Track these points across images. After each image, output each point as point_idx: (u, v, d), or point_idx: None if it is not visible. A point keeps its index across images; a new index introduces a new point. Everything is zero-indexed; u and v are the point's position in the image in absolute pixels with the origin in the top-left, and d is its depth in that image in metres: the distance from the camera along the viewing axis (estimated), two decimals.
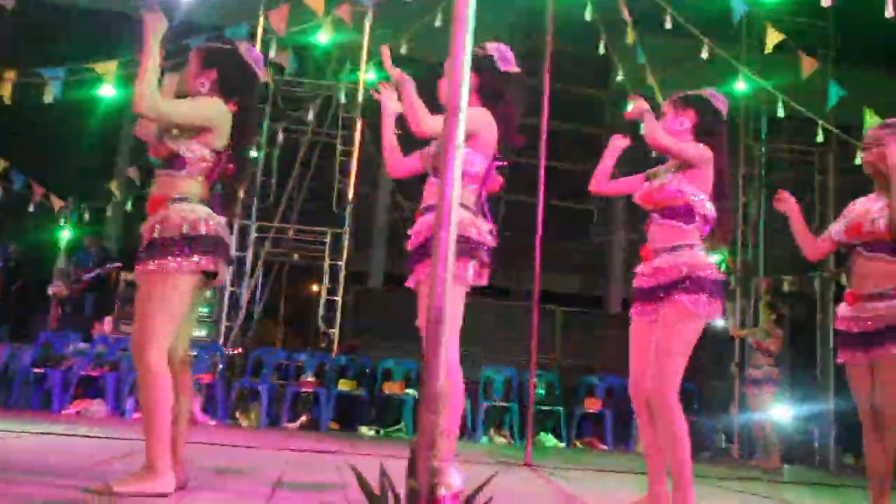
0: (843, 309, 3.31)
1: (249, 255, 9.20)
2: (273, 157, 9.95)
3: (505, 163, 3.04)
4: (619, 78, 7.18)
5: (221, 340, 8.73)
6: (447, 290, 1.83)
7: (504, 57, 3.06)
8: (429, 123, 2.87)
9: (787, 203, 3.53)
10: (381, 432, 8.15)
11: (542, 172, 5.76)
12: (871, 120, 6.32)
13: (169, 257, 2.80)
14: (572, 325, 9.66)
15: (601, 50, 6.73)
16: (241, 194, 3.24)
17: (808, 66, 6.03)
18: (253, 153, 9.20)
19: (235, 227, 8.96)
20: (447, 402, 2.78)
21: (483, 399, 8.54)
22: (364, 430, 8.06)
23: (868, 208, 3.29)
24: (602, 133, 12.06)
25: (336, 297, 8.99)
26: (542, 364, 9.30)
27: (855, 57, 10.45)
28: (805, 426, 9.98)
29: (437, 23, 6.46)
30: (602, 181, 3.50)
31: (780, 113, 6.63)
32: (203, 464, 3.83)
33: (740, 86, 6.49)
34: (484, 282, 2.98)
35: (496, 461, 5.68)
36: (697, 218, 3.05)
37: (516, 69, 3.07)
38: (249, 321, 9.60)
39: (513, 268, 10.12)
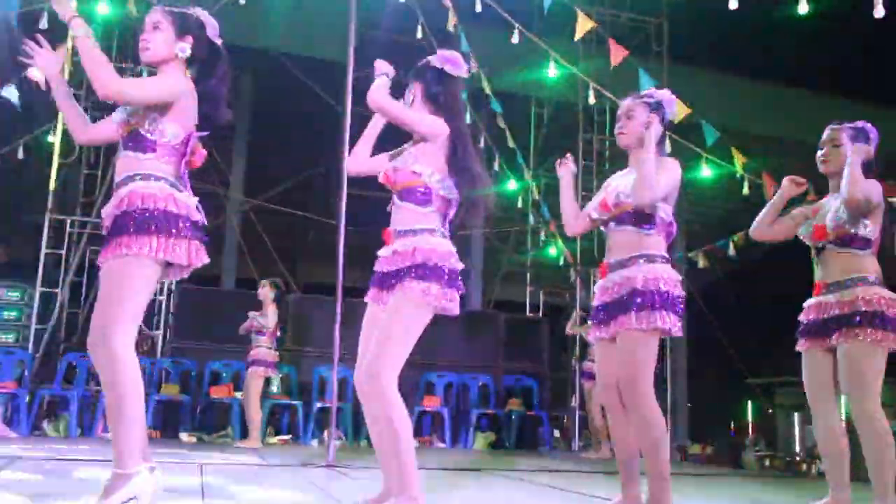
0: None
1: (64, 251, 8.54)
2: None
3: (205, 132, 2.77)
4: None
5: (31, 346, 8.06)
6: None
7: (211, 23, 2.81)
8: (121, 86, 2.58)
9: (566, 168, 3.39)
10: (205, 438, 7.71)
11: (345, 165, 5.55)
12: (681, 109, 6.38)
13: None
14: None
15: (419, 35, 6.57)
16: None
17: (616, 55, 6.03)
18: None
19: (46, 221, 8.30)
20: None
21: (316, 400, 8.22)
22: (185, 436, 7.61)
23: (619, 183, 3.20)
24: None
25: (160, 297, 8.47)
26: None
27: (690, 56, 10.77)
28: None
29: None
30: (358, 159, 3.14)
31: (591, 100, 6.66)
32: None
33: (552, 72, 6.47)
34: (200, 261, 2.69)
35: (301, 463, 5.41)
36: (435, 201, 2.86)
37: (220, 41, 2.82)
38: (73, 325, 8.94)
39: (356, 265, 9.85)
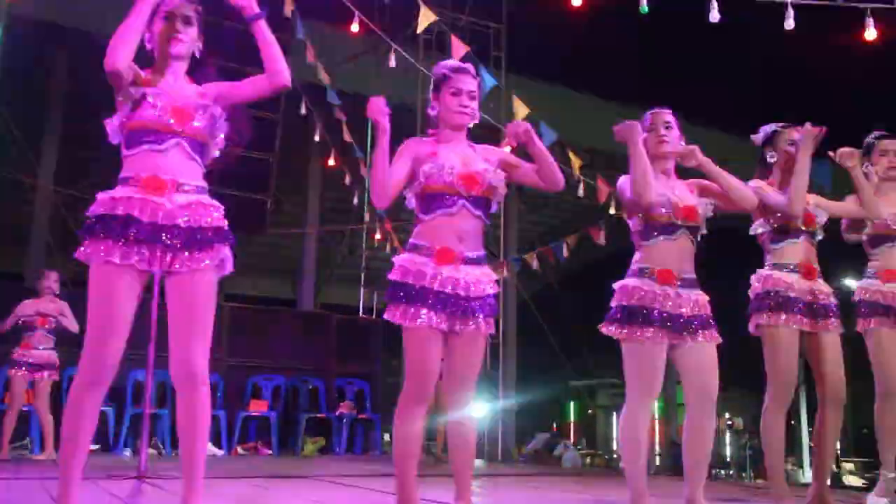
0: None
1: None
2: None
3: None
4: None
5: None
6: None
7: None
8: None
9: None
10: None
11: None
12: (520, 109, 6.42)
13: None
14: (245, 323, 8.97)
15: None
16: None
17: (457, 52, 5.95)
18: None
19: None
20: None
21: (131, 406, 7.58)
22: None
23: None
24: None
25: None
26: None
27: (526, 64, 11.01)
28: (491, 421, 10.16)
29: None
30: None
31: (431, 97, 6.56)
32: None
33: (392, 63, 6.36)
34: None
35: (106, 475, 4.88)
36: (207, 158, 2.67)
37: None
38: None
39: None
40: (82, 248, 2.40)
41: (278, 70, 2.59)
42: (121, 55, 2.44)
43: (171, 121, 2.49)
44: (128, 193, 2.44)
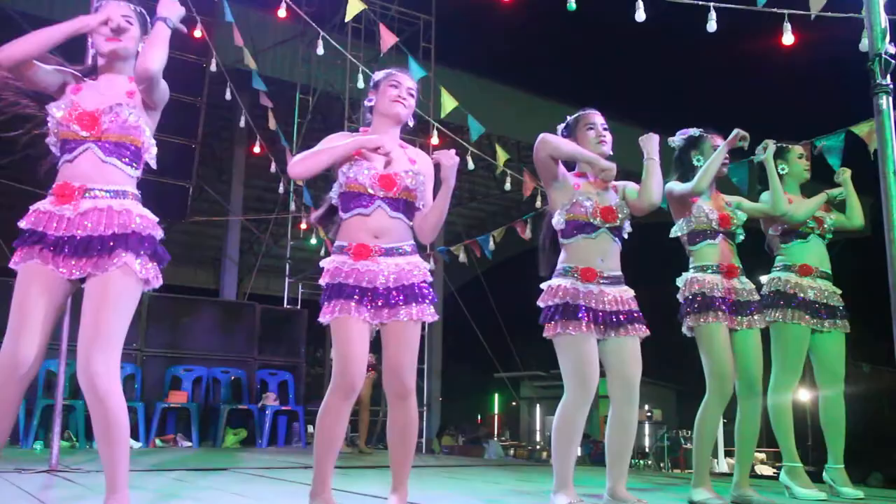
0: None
1: None
2: None
3: None
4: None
5: None
6: None
7: None
8: None
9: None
10: None
11: None
12: (448, 102, 6.44)
13: None
14: (164, 312, 8.73)
15: None
16: None
17: (386, 41, 5.91)
18: None
19: None
20: None
21: (43, 398, 7.29)
22: None
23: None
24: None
25: None
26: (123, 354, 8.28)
27: (455, 57, 11.05)
28: None
29: None
30: None
31: (360, 84, 6.54)
32: None
33: (319, 50, 6.30)
34: None
35: (15, 468, 4.70)
36: (143, 162, 2.62)
37: None
38: None
39: None
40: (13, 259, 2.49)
41: (143, 52, 2.52)
42: (7, 58, 2.43)
43: (76, 127, 2.50)
44: (43, 204, 2.50)
